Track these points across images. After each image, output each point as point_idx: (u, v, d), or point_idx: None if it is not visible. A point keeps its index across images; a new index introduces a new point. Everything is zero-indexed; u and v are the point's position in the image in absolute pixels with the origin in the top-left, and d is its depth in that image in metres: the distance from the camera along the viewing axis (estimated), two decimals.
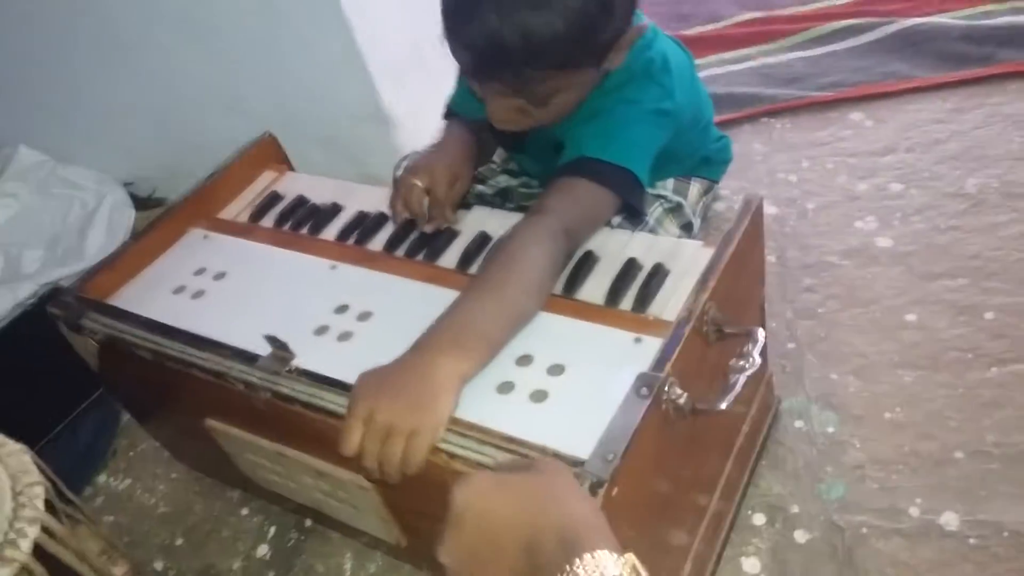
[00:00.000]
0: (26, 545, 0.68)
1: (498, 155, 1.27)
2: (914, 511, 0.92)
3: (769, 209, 1.39)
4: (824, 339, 1.14)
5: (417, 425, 0.68)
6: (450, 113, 1.16)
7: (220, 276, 0.97)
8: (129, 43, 1.52)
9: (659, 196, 1.15)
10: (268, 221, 1.05)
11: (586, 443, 0.65)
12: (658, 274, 0.84)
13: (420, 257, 0.94)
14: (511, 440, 0.67)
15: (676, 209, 1.16)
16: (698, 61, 1.71)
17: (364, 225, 1.00)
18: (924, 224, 1.29)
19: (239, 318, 0.89)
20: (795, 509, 0.95)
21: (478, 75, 0.87)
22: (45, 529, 0.72)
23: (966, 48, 1.59)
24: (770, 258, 1.28)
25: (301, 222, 1.03)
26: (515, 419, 0.70)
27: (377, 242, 0.98)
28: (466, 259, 0.92)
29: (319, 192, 1.08)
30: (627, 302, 0.82)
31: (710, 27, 1.88)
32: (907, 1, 1.77)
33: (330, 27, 1.29)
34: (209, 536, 1.11)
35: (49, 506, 0.75)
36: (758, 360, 0.71)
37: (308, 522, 1.08)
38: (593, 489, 0.61)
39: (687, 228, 1.17)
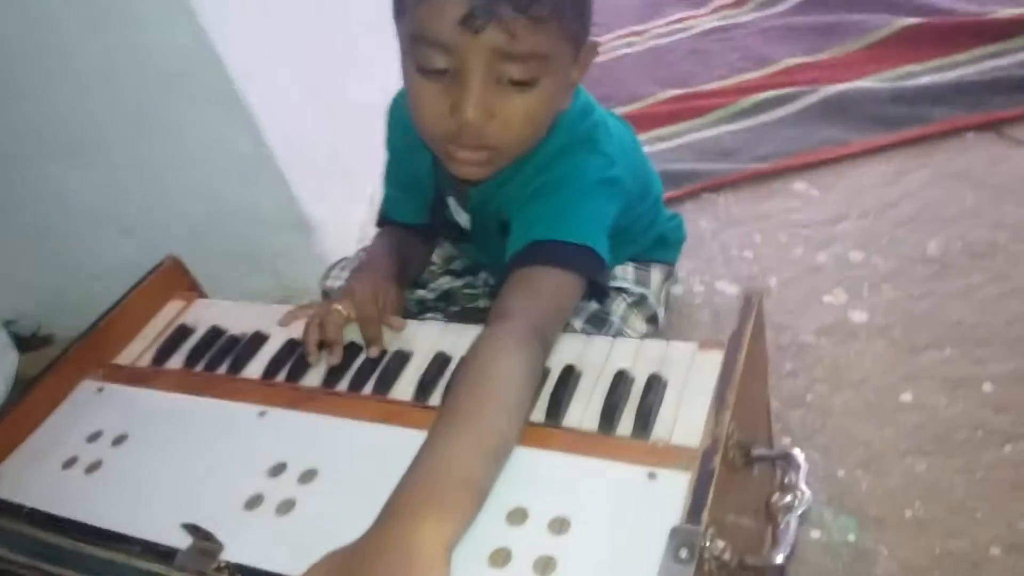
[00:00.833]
0: None
1: (438, 255, 1.16)
2: None
3: (730, 288, 1.30)
4: (820, 430, 1.03)
5: None
6: (383, 220, 1.06)
7: (119, 440, 0.78)
8: (2, 167, 1.35)
9: (620, 289, 1.05)
10: (176, 362, 0.88)
11: None
12: (654, 387, 0.71)
13: (368, 390, 0.79)
14: None
15: (640, 302, 1.06)
16: None
17: (296, 356, 0.84)
18: (896, 292, 1.21)
19: (145, 496, 0.71)
20: None
21: (478, 13, 0.72)
22: None
23: (899, 109, 1.56)
24: None
25: (217, 360, 0.86)
26: None
27: (313, 376, 0.82)
28: (424, 387, 0.77)
29: (237, 320, 0.91)
30: (625, 426, 0.69)
31: (633, 106, 1.83)
32: (826, 69, 1.76)
33: (236, 129, 1.15)
34: None
35: None
36: (808, 493, 0.59)
37: None
38: None
39: (652, 321, 1.07)
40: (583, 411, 0.71)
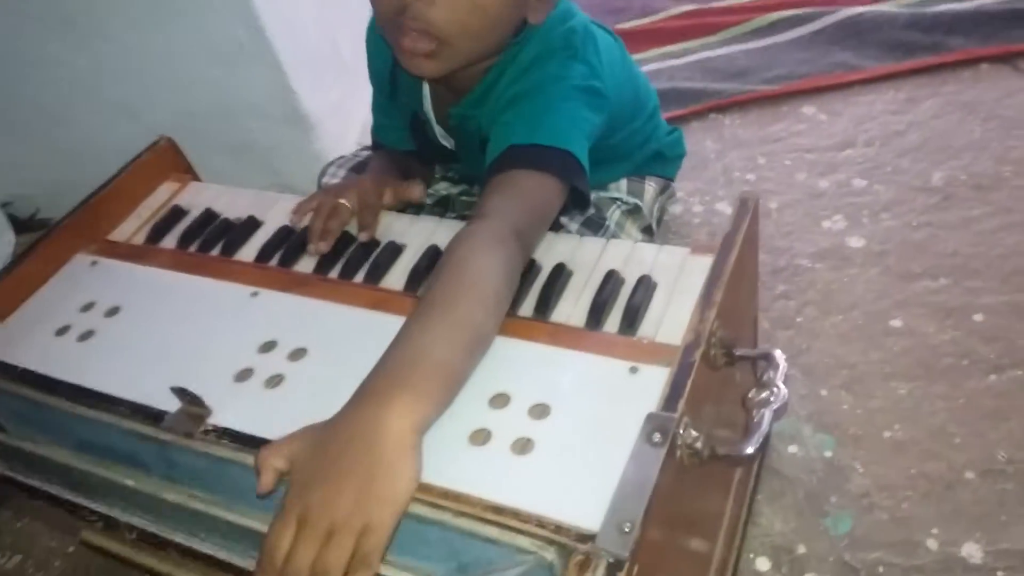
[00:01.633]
0: None
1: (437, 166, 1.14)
2: (932, 543, 0.82)
3: (729, 210, 1.29)
4: (807, 351, 1.04)
5: (370, 519, 0.51)
6: (376, 144, 1.06)
7: (113, 312, 0.79)
8: (2, 48, 1.32)
9: (614, 199, 1.04)
10: (170, 241, 0.88)
11: (592, 507, 0.52)
12: (644, 288, 0.71)
13: (360, 278, 0.79)
14: (497, 509, 0.53)
15: (635, 211, 1.05)
16: (637, 56, 1.63)
17: (289, 243, 0.84)
18: (895, 221, 1.20)
19: (137, 365, 0.72)
20: (802, 549, 0.84)
21: None
22: None
23: (913, 36, 1.53)
24: None
25: (211, 241, 0.87)
26: (497, 478, 0.56)
27: (306, 263, 0.82)
28: (415, 278, 0.77)
29: (232, 204, 0.91)
30: (612, 323, 0.69)
31: (645, 20, 1.79)
32: None
33: (233, 13, 1.12)
34: None
35: None
36: (784, 390, 0.59)
37: None
38: (611, 572, 0.48)
39: (647, 232, 1.07)
40: (572, 307, 0.72)
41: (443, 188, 1.17)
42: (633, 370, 0.64)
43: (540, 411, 0.61)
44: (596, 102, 0.84)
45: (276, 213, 0.89)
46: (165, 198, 0.95)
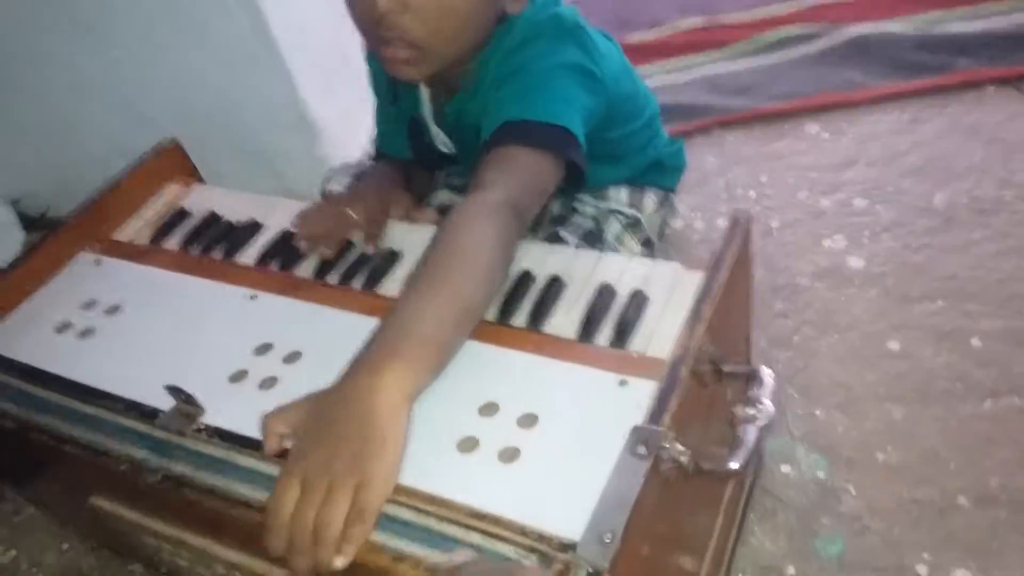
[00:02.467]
0: None
1: (439, 173, 1.15)
2: (922, 569, 0.83)
3: None
4: (803, 370, 1.04)
5: (365, 476, 0.55)
6: (379, 154, 1.07)
7: (113, 310, 0.80)
8: (15, 50, 1.34)
9: (615, 211, 1.05)
10: (173, 242, 0.89)
11: (574, 517, 0.52)
12: (636, 302, 0.71)
13: (358, 284, 0.80)
14: (481, 516, 0.54)
15: (635, 225, 1.06)
16: (642, 69, 1.63)
17: (290, 247, 0.85)
18: (895, 242, 1.21)
19: (135, 363, 0.73)
20: (791, 570, 0.84)
21: None
22: None
23: (921, 57, 1.54)
24: None
25: (213, 244, 0.88)
26: (482, 486, 0.57)
27: (306, 267, 0.83)
28: None
29: (234, 208, 0.92)
30: (604, 336, 0.70)
31: (652, 33, 1.79)
32: (856, 7, 1.72)
33: (244, 22, 1.14)
34: None
35: None
36: (771, 408, 0.60)
37: None
38: None
39: (647, 245, 1.07)
40: (564, 319, 0.72)
41: (444, 196, 1.18)
42: (622, 383, 0.64)
43: (528, 421, 0.62)
44: (590, 84, 0.84)
45: (278, 217, 0.89)
46: (170, 199, 0.96)
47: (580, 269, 0.77)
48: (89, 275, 0.86)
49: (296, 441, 0.59)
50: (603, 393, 0.64)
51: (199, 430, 0.62)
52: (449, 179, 1.18)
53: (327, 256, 0.83)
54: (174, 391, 0.63)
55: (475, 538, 0.54)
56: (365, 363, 0.60)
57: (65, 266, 0.88)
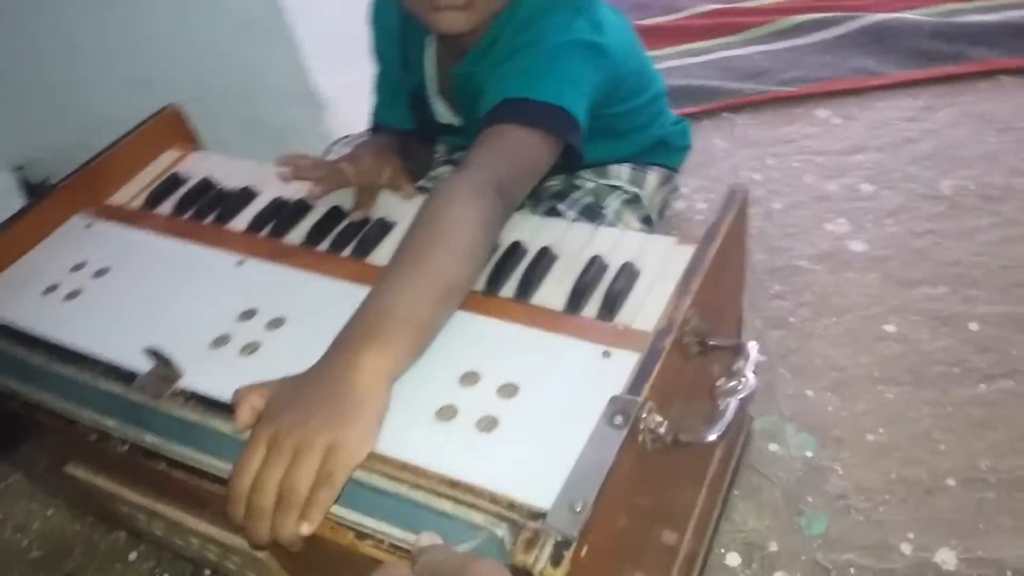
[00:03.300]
0: None
1: (440, 148, 1.15)
2: (906, 548, 0.82)
3: None
4: (797, 351, 1.04)
5: (335, 439, 0.54)
6: (377, 127, 1.06)
7: (101, 272, 0.80)
8: (20, 12, 1.34)
9: (615, 187, 1.04)
10: (166, 208, 0.89)
11: (547, 486, 0.52)
12: (626, 275, 0.71)
13: (347, 252, 0.80)
14: (453, 484, 0.54)
15: (634, 201, 1.05)
16: (655, 53, 1.62)
17: (281, 214, 0.85)
18: (899, 227, 1.19)
19: (117, 326, 0.73)
20: (774, 547, 0.84)
21: None
22: None
23: (936, 46, 1.51)
24: None
25: (205, 209, 0.88)
26: (458, 454, 0.56)
27: (296, 234, 0.83)
28: None
29: (229, 175, 0.92)
30: (591, 308, 0.69)
31: (668, 17, 1.78)
32: None
33: None
34: None
35: None
36: (753, 380, 0.59)
37: (207, 572, 0.92)
38: (558, 550, 0.48)
39: (647, 222, 1.06)
40: (553, 290, 0.72)
41: (445, 172, 1.17)
42: (606, 354, 0.63)
43: (509, 391, 0.61)
44: (598, 59, 0.83)
45: (271, 185, 0.89)
46: (167, 165, 0.96)
47: (573, 242, 0.76)
48: (80, 238, 0.86)
49: (267, 410, 0.58)
50: (586, 364, 0.63)
51: (175, 394, 0.62)
52: (451, 155, 1.17)
53: (316, 196, 0.84)
54: (153, 354, 0.63)
55: (446, 505, 0.53)
56: (343, 344, 0.60)
57: (57, 229, 0.88)
